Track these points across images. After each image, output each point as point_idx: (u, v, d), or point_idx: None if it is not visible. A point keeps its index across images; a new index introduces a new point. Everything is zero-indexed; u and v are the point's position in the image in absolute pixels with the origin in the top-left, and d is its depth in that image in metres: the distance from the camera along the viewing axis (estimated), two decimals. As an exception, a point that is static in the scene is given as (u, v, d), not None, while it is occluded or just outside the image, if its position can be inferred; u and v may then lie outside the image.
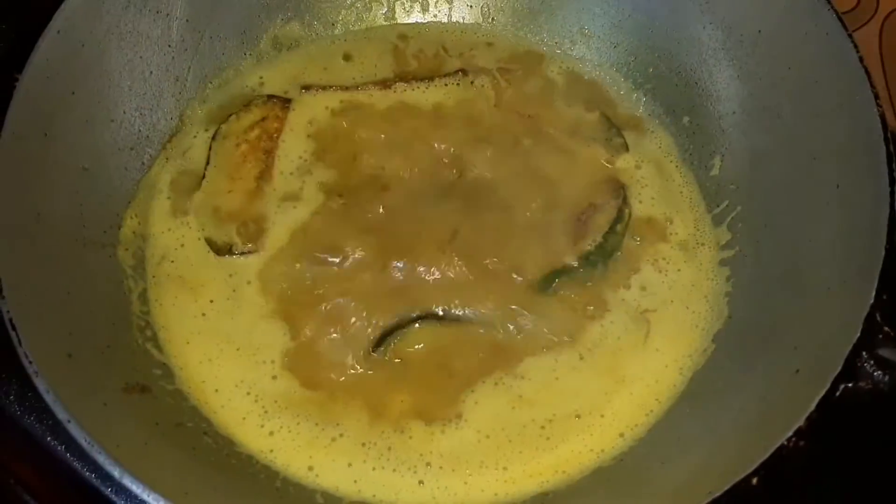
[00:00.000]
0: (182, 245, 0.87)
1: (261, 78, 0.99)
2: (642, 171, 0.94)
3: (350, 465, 0.77)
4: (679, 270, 0.88)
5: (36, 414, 0.78)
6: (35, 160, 0.75)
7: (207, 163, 0.91)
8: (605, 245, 0.88)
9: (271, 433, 0.78)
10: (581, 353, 0.83)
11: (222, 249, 0.87)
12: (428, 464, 0.77)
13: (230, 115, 0.93)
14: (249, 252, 0.86)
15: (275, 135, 0.93)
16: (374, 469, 0.76)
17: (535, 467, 0.77)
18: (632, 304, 0.86)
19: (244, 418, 0.79)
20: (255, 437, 0.78)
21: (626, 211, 0.90)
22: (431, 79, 0.97)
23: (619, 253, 0.88)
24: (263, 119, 0.94)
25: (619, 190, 0.91)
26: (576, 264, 0.86)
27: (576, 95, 0.99)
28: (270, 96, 0.95)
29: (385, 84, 0.97)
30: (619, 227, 0.89)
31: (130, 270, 0.84)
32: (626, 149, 0.95)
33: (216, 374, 0.80)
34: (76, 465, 0.77)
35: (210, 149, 0.92)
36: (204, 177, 0.90)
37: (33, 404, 0.77)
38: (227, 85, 0.97)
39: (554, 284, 0.85)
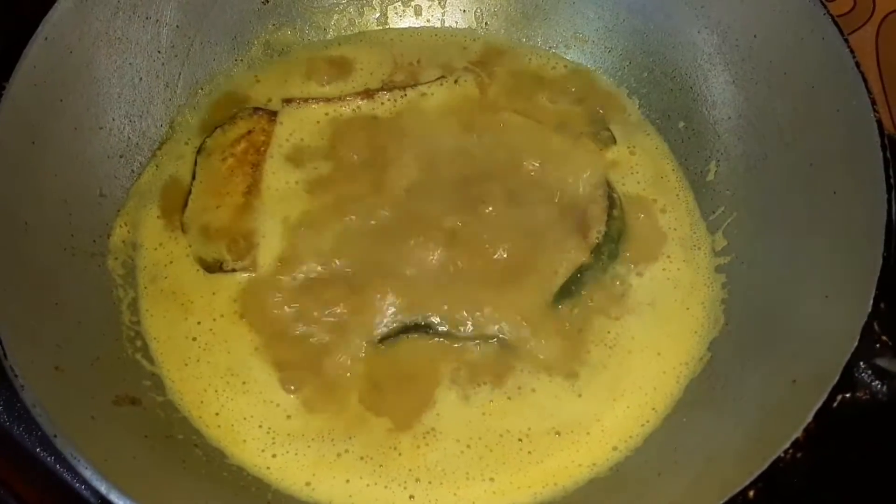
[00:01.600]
0: (171, 262, 0.86)
1: (256, 78, 0.98)
2: (636, 157, 0.94)
3: (348, 481, 0.76)
4: (678, 269, 0.87)
5: (25, 424, 0.78)
6: (22, 168, 0.74)
7: (193, 178, 0.89)
8: (610, 232, 0.87)
9: (274, 455, 0.77)
10: (577, 371, 0.82)
11: (212, 266, 0.85)
12: (417, 479, 0.76)
13: (215, 129, 0.92)
14: (240, 269, 0.85)
15: (262, 148, 0.91)
16: (367, 485, 0.76)
17: (523, 479, 0.76)
18: (636, 304, 0.85)
19: (245, 441, 0.77)
20: (253, 456, 0.76)
21: (616, 196, 0.90)
22: (414, 85, 0.96)
23: (624, 236, 0.88)
24: (249, 132, 0.92)
25: (601, 178, 0.91)
26: (591, 260, 0.85)
27: (562, 91, 0.98)
28: (256, 108, 0.94)
29: (368, 94, 0.95)
30: (615, 213, 0.88)
31: (120, 279, 0.83)
32: (614, 141, 0.94)
33: (222, 404, 0.79)
34: (66, 476, 0.76)
35: (195, 164, 0.90)
36: (190, 192, 0.88)
37: (22, 415, 0.76)
38: (219, 91, 0.96)
39: (573, 288, 0.84)
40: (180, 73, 0.92)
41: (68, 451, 0.61)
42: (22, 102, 0.74)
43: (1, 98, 0.73)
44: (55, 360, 0.68)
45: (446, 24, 1.04)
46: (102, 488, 0.60)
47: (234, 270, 0.85)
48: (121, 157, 0.87)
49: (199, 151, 0.90)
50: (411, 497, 0.75)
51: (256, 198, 0.89)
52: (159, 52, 0.89)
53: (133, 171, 0.88)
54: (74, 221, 0.79)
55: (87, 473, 0.61)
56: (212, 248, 0.86)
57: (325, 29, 1.02)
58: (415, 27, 1.04)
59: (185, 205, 0.88)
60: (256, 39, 0.98)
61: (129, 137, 0.87)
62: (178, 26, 0.90)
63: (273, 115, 0.93)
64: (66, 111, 0.80)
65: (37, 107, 0.76)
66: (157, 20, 0.88)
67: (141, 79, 0.88)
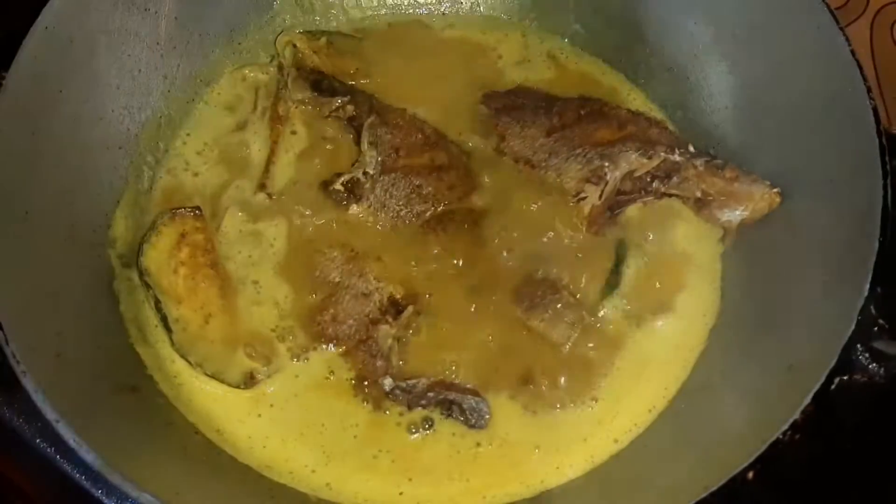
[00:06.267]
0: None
1: (246, 74, 0.98)
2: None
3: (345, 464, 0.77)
4: (692, 253, 0.87)
5: (25, 416, 0.77)
6: (22, 159, 0.74)
7: (157, 302, 0.81)
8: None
9: (314, 471, 0.77)
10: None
11: (246, 382, 0.79)
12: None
13: (141, 246, 0.83)
14: (274, 371, 0.80)
15: (208, 246, 0.84)
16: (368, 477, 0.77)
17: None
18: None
19: (286, 460, 0.77)
20: (298, 469, 0.77)
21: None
22: None
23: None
24: (183, 236, 0.84)
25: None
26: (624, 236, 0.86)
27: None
28: (174, 210, 0.85)
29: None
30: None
31: (120, 270, 0.83)
32: None
33: (288, 450, 0.77)
34: (66, 466, 0.76)
35: (148, 289, 0.81)
36: (166, 320, 0.80)
37: (21, 405, 0.76)
38: (217, 82, 0.96)
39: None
40: (179, 65, 0.92)
41: (70, 437, 0.61)
42: (22, 93, 0.74)
43: (0, 88, 0.72)
44: (56, 348, 0.69)
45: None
46: (106, 473, 0.61)
47: (269, 376, 0.80)
48: (120, 148, 0.87)
49: (141, 275, 0.82)
50: (400, 493, 0.76)
51: (234, 295, 0.83)
52: (158, 43, 0.89)
53: (132, 161, 0.88)
54: (74, 212, 0.79)
55: (90, 458, 0.61)
56: (231, 364, 0.80)
57: (324, 16, 1.03)
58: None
59: (169, 331, 0.80)
60: (253, 31, 0.98)
61: (129, 129, 0.87)
62: (176, 18, 0.90)
63: (197, 210, 0.86)
64: (66, 102, 0.79)
65: (36, 97, 0.76)
66: (157, 12, 0.88)
67: (140, 70, 0.88)
